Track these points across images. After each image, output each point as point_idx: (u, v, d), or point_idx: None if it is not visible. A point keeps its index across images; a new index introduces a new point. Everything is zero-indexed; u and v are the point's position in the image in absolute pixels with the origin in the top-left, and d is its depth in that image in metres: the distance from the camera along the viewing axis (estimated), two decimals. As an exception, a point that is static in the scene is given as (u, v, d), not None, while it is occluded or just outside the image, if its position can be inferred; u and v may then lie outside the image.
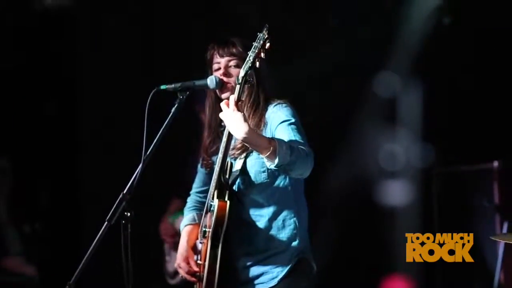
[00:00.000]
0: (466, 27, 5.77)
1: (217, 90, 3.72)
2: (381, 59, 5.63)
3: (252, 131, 3.44)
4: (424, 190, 5.81)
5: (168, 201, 6.04)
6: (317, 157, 3.58)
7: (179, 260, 3.86)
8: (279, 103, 3.67)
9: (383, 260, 4.01)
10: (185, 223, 3.98)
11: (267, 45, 3.43)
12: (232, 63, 3.74)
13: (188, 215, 4.00)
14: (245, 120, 3.42)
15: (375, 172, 5.63)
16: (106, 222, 3.37)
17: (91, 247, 3.36)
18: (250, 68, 3.45)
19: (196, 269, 3.77)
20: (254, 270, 3.67)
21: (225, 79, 3.71)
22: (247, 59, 3.45)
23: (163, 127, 3.52)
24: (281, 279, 3.64)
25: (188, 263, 3.82)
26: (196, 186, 4.06)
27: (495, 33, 5.68)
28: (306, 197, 3.78)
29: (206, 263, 3.60)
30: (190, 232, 3.91)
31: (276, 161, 3.37)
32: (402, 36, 5.58)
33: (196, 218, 3.95)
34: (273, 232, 3.66)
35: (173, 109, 3.58)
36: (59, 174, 6.67)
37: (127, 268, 3.38)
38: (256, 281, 3.68)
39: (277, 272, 3.65)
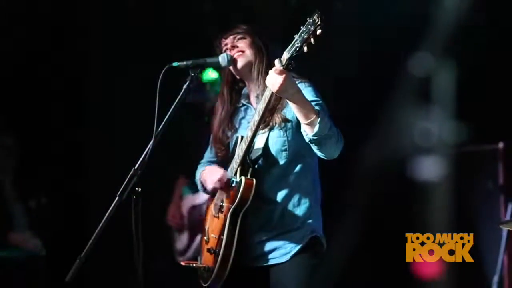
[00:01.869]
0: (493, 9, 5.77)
1: (231, 68, 3.74)
2: (416, 39, 5.63)
3: (299, 90, 3.48)
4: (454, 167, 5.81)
5: (175, 180, 6.05)
6: (354, 134, 3.59)
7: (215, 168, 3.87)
8: (302, 82, 3.67)
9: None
10: (202, 170, 3.99)
11: (318, 31, 3.36)
12: (237, 37, 3.79)
13: (205, 166, 4.02)
14: (293, 79, 3.47)
15: (408, 148, 5.64)
16: (117, 197, 3.38)
17: (102, 221, 3.36)
18: (296, 51, 3.40)
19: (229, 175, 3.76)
20: (268, 245, 3.71)
21: (233, 51, 3.75)
22: (293, 42, 3.41)
23: (175, 103, 3.54)
24: (293, 255, 3.68)
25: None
26: (208, 156, 4.07)
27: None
28: (340, 174, 3.79)
29: (224, 239, 3.63)
30: (211, 169, 3.90)
31: (316, 129, 3.41)
32: (437, 16, 5.57)
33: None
34: (288, 209, 3.70)
35: (184, 86, 3.60)
36: (65, 149, 6.69)
37: (138, 243, 3.40)
38: (269, 256, 3.71)
39: (290, 248, 3.69)
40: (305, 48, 3.40)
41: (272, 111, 3.64)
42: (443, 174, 5.70)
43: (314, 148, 3.52)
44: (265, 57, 3.74)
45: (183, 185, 5.97)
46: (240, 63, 3.71)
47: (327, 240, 3.80)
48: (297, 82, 3.65)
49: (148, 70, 3.88)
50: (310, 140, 3.48)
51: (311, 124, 3.43)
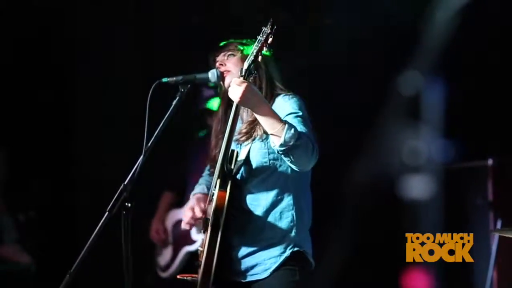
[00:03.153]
0: (486, 29, 5.80)
1: (221, 83, 3.75)
2: (405, 58, 5.66)
3: (264, 100, 3.53)
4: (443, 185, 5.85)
5: (160, 195, 6.05)
6: (343, 152, 3.61)
7: (185, 208, 3.89)
8: (286, 95, 3.71)
9: (402, 253, 4.03)
10: (194, 191, 3.98)
11: (270, 39, 3.47)
12: (227, 54, 3.80)
13: (199, 187, 4.00)
14: (256, 88, 3.52)
15: (398, 167, 5.67)
16: (107, 213, 3.37)
17: (92, 236, 3.36)
18: (253, 61, 3.49)
19: (199, 215, 3.77)
20: (249, 261, 3.68)
21: (222, 68, 3.76)
22: (251, 52, 3.50)
23: (164, 119, 3.54)
24: (273, 271, 3.64)
25: (193, 210, 3.81)
26: (207, 170, 4.06)
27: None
28: (330, 190, 3.79)
29: (205, 251, 3.61)
30: (198, 198, 3.89)
31: (281, 140, 3.41)
32: (426, 35, 5.60)
33: (206, 190, 3.95)
34: (269, 222, 3.67)
35: (174, 102, 3.60)
36: (54, 163, 6.69)
37: (127, 258, 3.39)
38: (250, 272, 3.68)
39: (270, 264, 3.65)
40: (259, 58, 3.49)
41: (254, 123, 3.65)
42: (432, 192, 5.73)
43: (285, 159, 3.52)
44: (261, 82, 3.74)
45: (167, 200, 5.97)
46: (227, 81, 3.72)
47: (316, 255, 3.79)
48: (281, 94, 3.70)
49: (138, 84, 3.88)
50: (278, 151, 3.48)
51: (277, 135, 3.44)
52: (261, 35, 3.49)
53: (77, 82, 6.80)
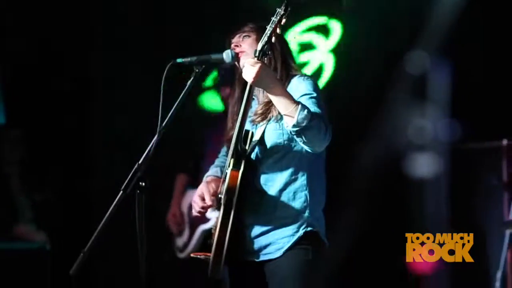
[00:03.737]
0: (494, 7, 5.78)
1: (236, 64, 3.76)
2: (411, 37, 5.66)
3: (277, 81, 3.54)
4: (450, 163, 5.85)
5: (175, 175, 6.08)
6: (350, 132, 3.61)
7: (194, 196, 3.88)
8: (301, 76, 3.72)
9: (411, 231, 4.04)
10: (208, 174, 3.98)
11: (283, 20, 3.49)
12: (242, 35, 3.81)
13: (213, 169, 4.00)
14: (270, 69, 3.53)
15: (404, 145, 5.67)
16: (121, 191, 3.39)
17: (106, 215, 3.38)
18: (266, 42, 3.51)
19: (209, 203, 3.79)
20: (262, 240, 3.69)
21: (237, 49, 3.76)
22: (265, 33, 3.51)
23: (179, 99, 3.54)
24: (286, 250, 3.65)
25: (203, 199, 3.82)
26: (223, 151, 4.06)
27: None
28: (337, 170, 3.79)
29: (217, 230, 3.62)
30: (209, 181, 3.89)
31: (294, 121, 3.43)
32: (432, 14, 5.59)
33: (219, 172, 3.96)
34: (282, 202, 3.68)
35: (188, 82, 3.61)
36: (70, 143, 6.72)
37: (142, 237, 3.41)
38: (263, 251, 3.69)
39: (283, 243, 3.66)
40: (273, 39, 3.51)
41: (269, 104, 3.65)
42: (445, 171, 5.73)
43: (297, 139, 3.53)
44: (275, 64, 3.75)
45: (182, 182, 5.99)
46: (241, 62, 3.73)
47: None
48: (297, 75, 3.71)
49: (152, 66, 3.89)
50: (291, 132, 3.49)
51: (290, 115, 3.45)
52: (275, 16, 3.50)
53: (93, 64, 6.82)
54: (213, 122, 5.67)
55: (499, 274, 5.37)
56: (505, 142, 5.65)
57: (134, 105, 6.47)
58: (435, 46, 5.58)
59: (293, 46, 3.88)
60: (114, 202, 3.39)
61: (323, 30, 6.16)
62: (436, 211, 4.62)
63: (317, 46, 6.15)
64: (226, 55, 3.69)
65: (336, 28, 6.13)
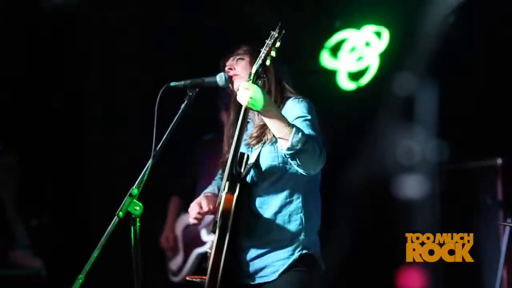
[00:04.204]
0: (477, 29, 5.81)
1: (231, 87, 3.76)
2: (399, 59, 5.69)
3: (272, 104, 3.54)
4: (438, 184, 5.86)
5: (168, 199, 6.07)
6: (338, 152, 3.61)
7: (192, 204, 3.87)
8: (296, 98, 3.72)
9: (399, 252, 4.04)
10: (205, 191, 3.98)
11: (277, 43, 3.51)
12: (236, 58, 3.82)
13: (210, 187, 4.00)
14: (264, 92, 3.51)
15: (392, 166, 5.68)
16: (116, 217, 3.40)
17: (101, 240, 3.38)
18: (260, 65, 3.52)
19: (206, 209, 3.78)
20: (258, 263, 3.69)
21: (231, 72, 3.77)
22: (259, 56, 3.52)
23: (173, 123, 3.55)
24: (282, 273, 3.65)
25: (200, 206, 3.81)
26: (219, 173, 4.07)
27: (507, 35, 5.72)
28: (325, 190, 3.80)
29: (212, 253, 3.62)
30: (207, 195, 3.88)
31: (289, 144, 3.43)
32: (419, 36, 5.62)
33: (216, 190, 3.95)
34: (278, 225, 3.68)
35: (182, 106, 3.61)
36: (65, 169, 6.72)
37: (137, 262, 3.41)
38: (259, 274, 3.69)
39: (278, 266, 3.66)
40: (268, 61, 3.51)
41: (265, 127, 3.66)
42: (434, 192, 5.75)
43: (292, 162, 3.53)
44: (270, 86, 3.75)
45: (176, 206, 5.99)
46: (236, 85, 3.73)
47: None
48: (291, 98, 3.71)
49: (149, 86, 3.89)
50: (285, 155, 3.50)
51: (284, 138, 3.46)
52: (269, 39, 3.52)
53: (88, 85, 6.82)
54: (208, 145, 5.68)
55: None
56: (499, 161, 5.66)
57: (130, 128, 6.47)
58: (422, 67, 5.61)
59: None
60: (109, 227, 3.39)
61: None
62: (425, 230, 4.60)
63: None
64: (220, 78, 3.70)
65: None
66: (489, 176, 5.69)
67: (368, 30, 6.15)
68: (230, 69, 3.79)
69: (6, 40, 6.45)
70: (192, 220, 3.84)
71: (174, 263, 5.92)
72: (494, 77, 5.75)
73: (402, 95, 5.65)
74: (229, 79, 3.72)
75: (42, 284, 6.07)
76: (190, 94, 3.63)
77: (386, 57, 5.89)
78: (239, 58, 3.80)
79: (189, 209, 3.86)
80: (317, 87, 5.91)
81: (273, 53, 3.51)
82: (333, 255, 3.89)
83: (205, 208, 3.79)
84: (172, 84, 3.63)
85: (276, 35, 3.51)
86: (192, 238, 5.79)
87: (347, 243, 5.59)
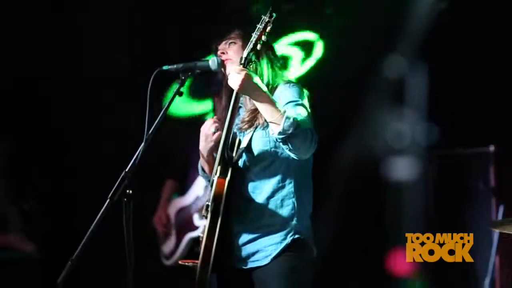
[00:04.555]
0: (466, 12, 5.80)
1: (223, 71, 3.76)
2: (389, 42, 5.68)
3: (263, 88, 3.55)
4: (428, 167, 5.88)
5: (160, 183, 6.07)
6: (328, 135, 3.61)
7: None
8: (287, 83, 3.73)
9: (388, 234, 4.06)
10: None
11: (268, 28, 3.53)
12: (229, 42, 3.81)
13: None
14: (256, 76, 3.54)
15: (382, 149, 5.69)
16: (108, 200, 3.39)
17: (93, 224, 3.37)
18: (252, 49, 3.55)
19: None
20: (250, 248, 3.69)
21: (223, 56, 3.78)
22: (250, 40, 3.54)
23: (165, 107, 3.55)
24: (274, 257, 3.66)
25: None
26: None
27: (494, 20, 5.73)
28: (315, 174, 3.80)
29: (204, 237, 3.62)
30: None
31: (280, 128, 3.44)
32: (410, 19, 5.62)
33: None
34: (270, 210, 3.68)
35: (175, 90, 3.62)
36: (55, 152, 6.71)
37: (129, 245, 3.41)
38: (251, 259, 3.70)
39: (270, 251, 3.66)
40: (258, 46, 3.54)
41: (256, 111, 3.66)
42: (424, 175, 5.77)
43: (283, 147, 3.54)
44: (262, 71, 3.75)
45: (170, 188, 6.00)
46: (228, 69, 3.73)
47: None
48: (283, 83, 3.72)
49: (139, 71, 3.89)
50: (277, 139, 3.50)
51: (276, 122, 3.46)
52: (260, 23, 3.54)
53: (77, 70, 6.81)
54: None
55: (487, 281, 5.39)
56: (492, 148, 5.67)
57: (121, 112, 6.46)
58: (412, 49, 5.61)
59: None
60: (101, 210, 3.39)
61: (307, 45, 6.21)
62: (416, 214, 4.62)
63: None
64: (212, 62, 3.69)
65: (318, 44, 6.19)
66: (482, 163, 5.70)
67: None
68: (223, 53, 3.79)
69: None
70: (213, 128, 3.75)
71: (167, 247, 5.93)
72: (486, 62, 5.75)
73: (392, 77, 5.65)
74: (222, 63, 3.72)
75: (35, 268, 6.07)
76: (183, 78, 3.63)
77: (376, 40, 5.87)
78: (232, 42, 3.79)
79: (203, 129, 3.78)
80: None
81: (263, 38, 3.53)
82: (324, 240, 3.89)
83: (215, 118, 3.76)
84: (165, 67, 3.63)
85: (267, 20, 3.53)
86: (185, 222, 5.80)
87: (337, 227, 5.60)
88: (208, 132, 3.75)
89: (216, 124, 3.73)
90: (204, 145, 3.78)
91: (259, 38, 3.53)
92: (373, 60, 5.75)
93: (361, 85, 5.76)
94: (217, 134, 3.72)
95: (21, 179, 6.53)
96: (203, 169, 3.91)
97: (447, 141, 5.79)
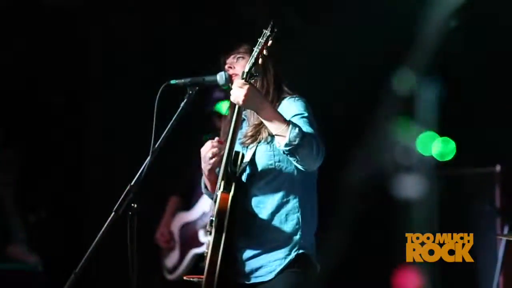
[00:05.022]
0: (478, 29, 5.81)
1: (230, 86, 3.75)
2: (400, 57, 5.69)
3: (266, 102, 3.54)
4: (437, 187, 5.87)
5: (167, 198, 6.07)
6: (337, 151, 3.60)
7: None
8: (292, 97, 3.71)
9: (396, 253, 4.05)
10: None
11: (269, 42, 3.51)
12: (237, 57, 3.80)
13: None
14: (258, 90, 3.53)
15: (391, 166, 5.69)
16: (113, 213, 3.39)
17: (98, 236, 3.38)
18: (253, 64, 3.52)
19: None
20: (254, 263, 3.68)
21: (230, 71, 3.77)
22: (252, 54, 3.53)
23: (172, 121, 3.55)
24: (278, 273, 3.64)
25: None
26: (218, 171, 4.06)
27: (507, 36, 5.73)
28: (323, 189, 3.80)
29: (209, 252, 3.61)
30: None
31: (286, 140, 3.43)
32: (421, 35, 5.62)
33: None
34: (274, 225, 3.66)
35: (182, 104, 3.62)
36: (64, 164, 6.72)
37: (133, 259, 3.41)
38: (254, 274, 3.68)
39: (274, 266, 3.64)
40: (260, 60, 3.52)
41: (260, 126, 3.66)
42: (432, 192, 5.76)
43: (291, 159, 3.53)
44: (265, 85, 3.75)
45: (174, 204, 6.00)
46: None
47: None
48: (287, 97, 3.71)
49: (149, 85, 3.89)
50: (284, 151, 3.49)
51: (282, 134, 3.46)
52: (261, 37, 3.52)
53: (88, 82, 6.83)
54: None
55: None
56: (498, 168, 5.66)
57: (129, 126, 6.47)
58: (423, 64, 5.62)
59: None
60: (106, 223, 3.40)
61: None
62: (425, 229, 4.61)
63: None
64: (220, 77, 3.69)
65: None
66: (487, 183, 5.69)
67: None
68: (230, 67, 3.79)
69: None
70: (210, 153, 3.74)
71: (170, 261, 5.93)
72: (494, 83, 5.75)
73: (403, 93, 5.66)
74: (229, 78, 3.72)
75: (38, 279, 6.07)
76: (190, 92, 3.64)
77: (387, 55, 5.87)
78: (240, 57, 3.79)
79: (202, 152, 3.76)
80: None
81: (265, 52, 3.51)
82: (331, 256, 3.89)
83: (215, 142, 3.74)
84: (172, 82, 3.64)
85: (268, 34, 3.51)
86: (190, 238, 5.80)
87: (344, 243, 5.59)
88: (206, 156, 3.74)
89: (214, 150, 3.71)
90: (204, 166, 3.78)
91: (260, 52, 3.51)
92: (383, 75, 5.75)
93: (371, 100, 5.76)
94: (214, 159, 3.71)
95: (29, 190, 6.54)
96: (206, 187, 3.91)
97: (452, 159, 5.77)
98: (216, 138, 3.75)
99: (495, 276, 5.34)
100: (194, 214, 5.82)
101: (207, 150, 3.72)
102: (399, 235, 4.02)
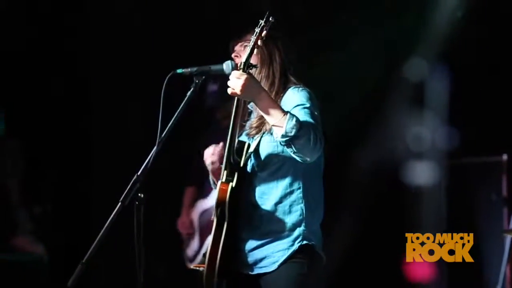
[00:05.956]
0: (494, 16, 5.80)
1: None
2: (411, 44, 5.68)
3: (264, 92, 3.52)
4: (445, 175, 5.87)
5: (181, 190, 6.08)
6: (348, 138, 3.59)
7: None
8: (296, 87, 3.68)
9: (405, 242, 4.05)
10: None
11: (265, 32, 3.50)
12: (244, 44, 3.76)
13: None
14: (256, 80, 3.51)
15: (401, 152, 5.69)
16: (119, 203, 3.39)
17: (104, 227, 3.37)
18: (249, 54, 3.52)
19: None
20: (257, 254, 3.66)
21: (237, 60, 3.74)
22: (249, 45, 3.53)
23: (178, 110, 3.54)
24: (281, 264, 3.62)
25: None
26: None
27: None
28: (335, 177, 3.78)
29: (210, 243, 3.61)
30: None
31: (283, 130, 3.41)
32: (432, 23, 5.61)
33: None
34: (278, 216, 3.65)
35: (188, 93, 3.61)
36: (70, 156, 6.72)
37: (139, 250, 3.41)
38: (258, 265, 3.66)
39: (278, 257, 3.63)
40: (255, 50, 3.52)
41: (263, 117, 3.64)
42: (443, 180, 5.75)
43: (288, 150, 3.50)
44: (272, 64, 3.74)
45: (191, 194, 6.01)
46: None
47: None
48: (291, 87, 3.68)
49: (155, 74, 3.89)
50: (281, 142, 3.48)
51: (279, 125, 3.44)
52: (257, 27, 3.51)
53: (93, 72, 6.82)
54: (216, 134, 5.67)
55: (498, 288, 5.38)
56: (505, 157, 5.66)
57: (135, 116, 6.47)
58: (434, 53, 5.61)
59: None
60: (113, 214, 3.39)
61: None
62: (434, 218, 4.62)
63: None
64: (226, 66, 3.67)
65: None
66: (494, 172, 5.69)
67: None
68: (237, 56, 3.77)
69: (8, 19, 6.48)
70: (208, 161, 3.80)
71: (190, 250, 5.96)
72: (503, 72, 5.74)
73: (413, 80, 5.65)
74: (236, 67, 3.70)
75: (44, 270, 6.08)
76: (197, 81, 3.62)
77: (398, 43, 5.86)
78: (247, 45, 3.77)
79: (205, 154, 3.82)
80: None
81: (259, 43, 3.51)
82: (339, 245, 3.88)
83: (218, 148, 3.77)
84: (179, 71, 3.62)
85: (263, 24, 3.50)
86: (208, 224, 5.80)
87: (354, 232, 5.59)
88: (206, 160, 3.80)
89: (213, 159, 3.75)
90: (207, 166, 3.82)
91: (255, 43, 3.50)
92: (394, 63, 5.74)
93: (382, 88, 5.75)
94: (213, 166, 3.76)
95: (35, 181, 6.54)
96: (214, 182, 3.90)
97: (460, 148, 5.77)
98: (221, 144, 3.76)
99: (502, 267, 5.34)
100: (211, 200, 5.83)
101: (208, 155, 3.78)
102: (409, 223, 4.02)
